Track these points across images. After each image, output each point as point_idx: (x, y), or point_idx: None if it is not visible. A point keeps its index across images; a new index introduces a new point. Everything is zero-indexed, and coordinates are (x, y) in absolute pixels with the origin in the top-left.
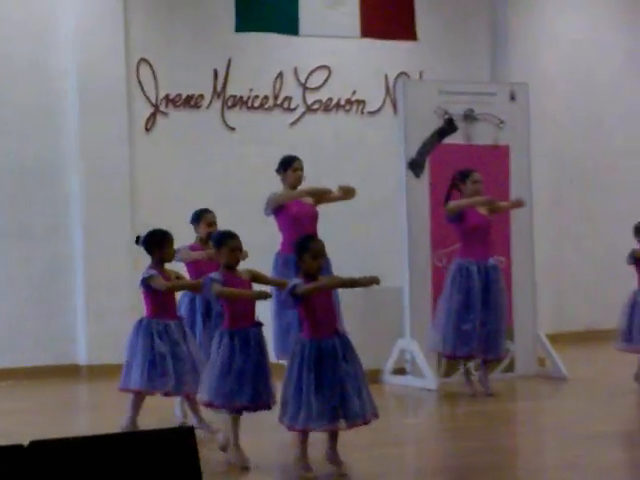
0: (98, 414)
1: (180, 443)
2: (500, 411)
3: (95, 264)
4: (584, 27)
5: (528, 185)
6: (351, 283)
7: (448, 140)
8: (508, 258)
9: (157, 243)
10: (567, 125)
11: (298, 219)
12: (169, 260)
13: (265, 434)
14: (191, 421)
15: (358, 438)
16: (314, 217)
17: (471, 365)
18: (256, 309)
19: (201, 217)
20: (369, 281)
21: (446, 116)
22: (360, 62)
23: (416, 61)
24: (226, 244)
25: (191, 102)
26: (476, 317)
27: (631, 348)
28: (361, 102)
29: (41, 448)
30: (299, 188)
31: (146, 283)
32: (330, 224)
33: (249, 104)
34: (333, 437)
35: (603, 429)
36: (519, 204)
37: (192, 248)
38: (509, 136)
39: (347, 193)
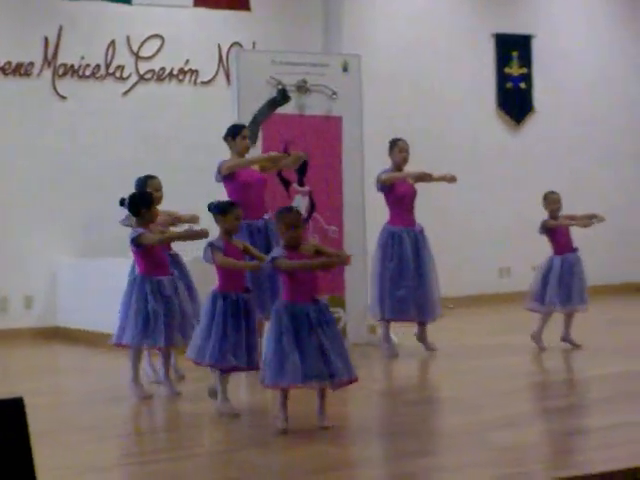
0: None
1: (8, 415)
2: None
3: None
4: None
5: (360, 156)
6: (329, 264)
7: (281, 110)
8: (341, 227)
9: (143, 204)
10: (398, 95)
11: (248, 186)
12: (154, 220)
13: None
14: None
15: (201, 408)
16: (263, 184)
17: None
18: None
19: (147, 183)
20: (343, 261)
21: (279, 86)
22: (193, 32)
23: (249, 31)
24: (233, 212)
25: (21, 70)
26: (411, 282)
27: (542, 309)
28: (194, 72)
29: None
30: (247, 156)
31: (136, 242)
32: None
33: (80, 73)
34: (322, 397)
35: (434, 395)
36: (451, 179)
37: None
38: (342, 107)
39: (300, 157)
